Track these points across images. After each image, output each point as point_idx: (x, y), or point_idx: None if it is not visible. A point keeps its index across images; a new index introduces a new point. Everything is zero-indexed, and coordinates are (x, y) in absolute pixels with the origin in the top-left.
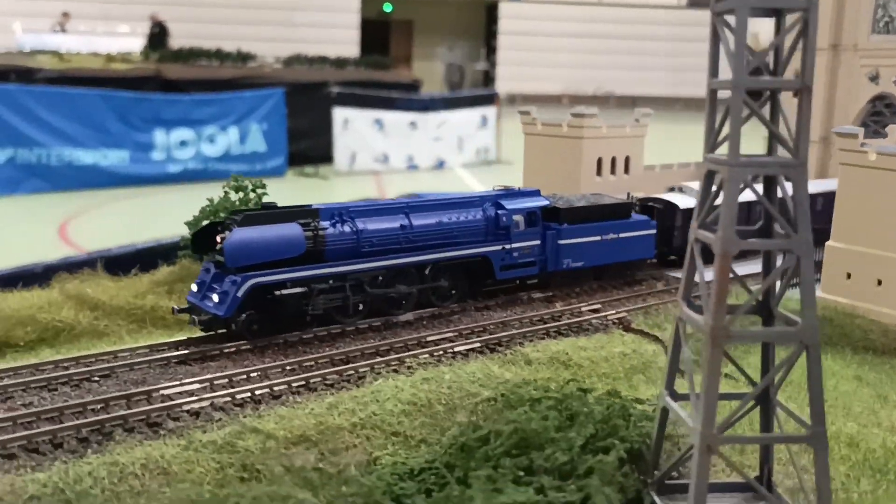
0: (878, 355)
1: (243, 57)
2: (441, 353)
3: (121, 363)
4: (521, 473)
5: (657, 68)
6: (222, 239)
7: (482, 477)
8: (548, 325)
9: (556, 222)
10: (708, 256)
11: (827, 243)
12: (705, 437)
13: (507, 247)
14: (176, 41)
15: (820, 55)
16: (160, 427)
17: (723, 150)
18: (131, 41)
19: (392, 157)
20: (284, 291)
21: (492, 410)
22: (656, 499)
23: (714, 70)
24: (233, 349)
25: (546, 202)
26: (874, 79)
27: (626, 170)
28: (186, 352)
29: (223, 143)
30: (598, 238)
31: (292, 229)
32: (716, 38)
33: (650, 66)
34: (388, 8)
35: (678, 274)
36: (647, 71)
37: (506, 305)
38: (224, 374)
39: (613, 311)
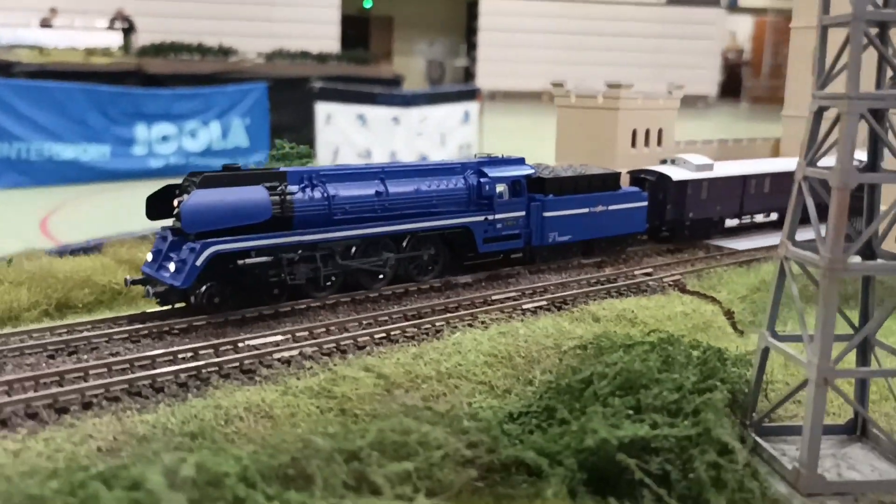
0: None
1: (225, 51)
2: (511, 309)
3: (197, 318)
4: (630, 412)
5: (637, 65)
6: (179, 202)
7: (599, 412)
8: (608, 286)
9: (541, 193)
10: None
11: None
12: (822, 371)
13: (490, 218)
14: (156, 36)
15: (841, 33)
16: (255, 374)
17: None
18: (110, 35)
19: (375, 152)
20: (248, 261)
21: (584, 356)
22: (758, 440)
23: (826, 7)
24: (303, 306)
25: (531, 171)
26: None
27: (659, 142)
28: (261, 308)
29: (205, 138)
30: (585, 210)
31: (257, 193)
32: None
33: (630, 63)
34: (367, 4)
35: (718, 242)
36: (627, 67)
37: (559, 270)
38: (303, 326)
39: (667, 274)
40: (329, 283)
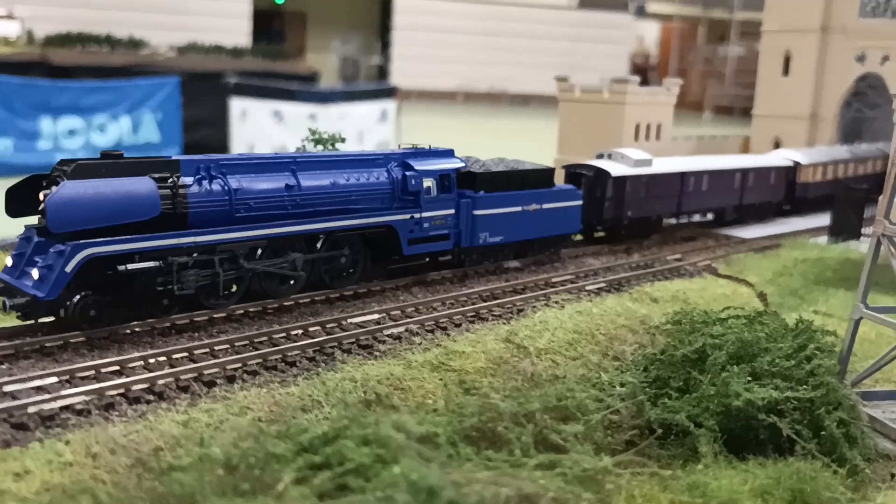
0: None
1: (135, 43)
2: (576, 290)
3: (283, 301)
4: (749, 378)
5: (549, 67)
6: (45, 196)
7: (735, 378)
8: (651, 270)
9: (471, 189)
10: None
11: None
12: None
13: (417, 216)
14: (63, 26)
15: (810, 36)
16: (372, 349)
17: None
18: (9, 25)
19: (291, 149)
20: (132, 266)
21: (675, 331)
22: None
23: None
24: (378, 289)
25: (461, 164)
26: (861, 59)
27: (658, 136)
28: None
29: (115, 133)
30: (518, 209)
31: (143, 185)
32: None
33: (542, 65)
34: None
35: (725, 231)
36: (539, 70)
37: (596, 254)
38: (395, 305)
39: (698, 259)
40: (230, 292)
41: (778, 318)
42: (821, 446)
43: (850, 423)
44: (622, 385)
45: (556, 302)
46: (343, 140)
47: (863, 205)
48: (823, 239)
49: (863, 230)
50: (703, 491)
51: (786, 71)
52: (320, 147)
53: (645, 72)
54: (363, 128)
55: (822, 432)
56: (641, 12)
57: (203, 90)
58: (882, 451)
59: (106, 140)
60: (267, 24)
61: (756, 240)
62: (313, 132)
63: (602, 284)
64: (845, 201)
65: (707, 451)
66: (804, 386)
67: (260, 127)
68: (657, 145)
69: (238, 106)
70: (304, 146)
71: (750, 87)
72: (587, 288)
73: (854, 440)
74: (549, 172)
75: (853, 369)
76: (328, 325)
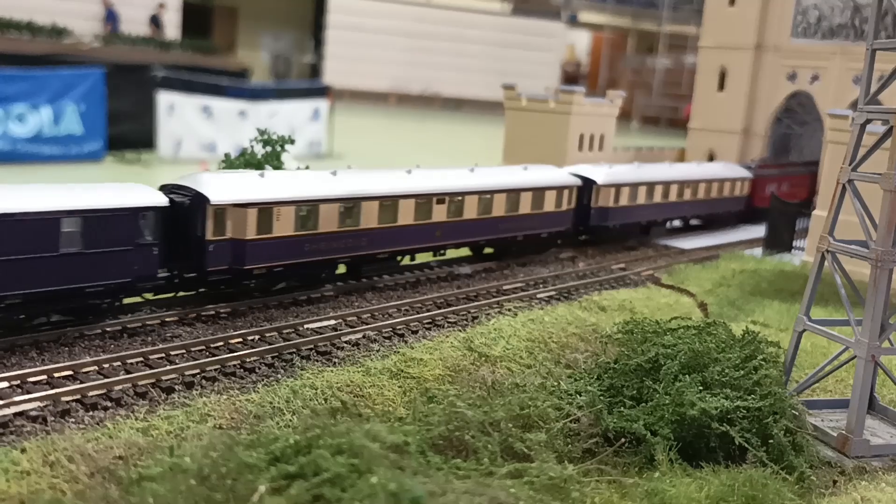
0: None
1: (58, 32)
2: (528, 298)
3: (239, 303)
4: (701, 388)
5: (482, 71)
6: None
7: (693, 388)
8: (598, 279)
9: None
10: None
11: (814, 212)
12: (871, 349)
13: None
14: None
15: (744, 55)
16: (331, 356)
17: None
18: None
19: (220, 146)
20: None
21: (625, 340)
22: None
23: (877, 32)
24: (332, 294)
25: None
26: (792, 78)
27: (601, 146)
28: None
29: (34, 124)
30: None
31: None
32: (879, 4)
33: (475, 70)
34: None
35: (665, 241)
36: (472, 73)
37: (544, 263)
38: (350, 312)
39: (641, 269)
40: None
41: (726, 328)
42: (769, 454)
43: (796, 431)
44: (580, 393)
45: (509, 310)
46: (293, 141)
47: (795, 219)
48: (758, 251)
49: (794, 243)
50: (662, 498)
51: (721, 86)
52: (269, 148)
53: (576, 80)
54: (294, 126)
55: (770, 440)
56: (573, 21)
57: (129, 82)
58: (824, 458)
59: (25, 130)
60: (196, 18)
61: (695, 250)
62: (262, 132)
63: (552, 293)
64: (779, 215)
65: (663, 458)
66: (752, 395)
67: (188, 122)
68: (600, 155)
69: (166, 100)
70: (251, 146)
71: (676, 99)
72: (538, 296)
73: (800, 448)
74: None
75: (792, 378)
76: (285, 331)
